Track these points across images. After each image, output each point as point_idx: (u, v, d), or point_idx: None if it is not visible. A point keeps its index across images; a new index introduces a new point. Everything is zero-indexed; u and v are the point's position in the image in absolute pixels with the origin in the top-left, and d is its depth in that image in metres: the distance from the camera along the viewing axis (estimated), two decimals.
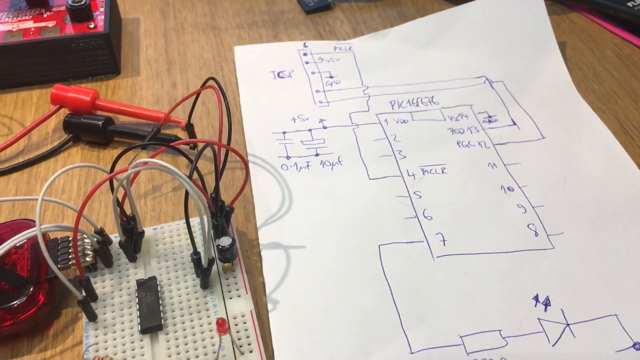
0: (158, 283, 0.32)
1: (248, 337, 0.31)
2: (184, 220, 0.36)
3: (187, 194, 0.30)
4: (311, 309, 0.33)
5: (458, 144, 0.42)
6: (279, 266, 0.35)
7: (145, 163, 0.29)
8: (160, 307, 0.31)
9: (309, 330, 0.32)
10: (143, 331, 0.30)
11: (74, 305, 0.33)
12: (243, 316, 0.32)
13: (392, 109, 0.45)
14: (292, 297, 0.33)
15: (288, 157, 0.41)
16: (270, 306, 0.33)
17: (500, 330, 0.32)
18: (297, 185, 0.39)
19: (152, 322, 0.31)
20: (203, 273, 0.32)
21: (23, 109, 0.46)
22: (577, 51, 0.51)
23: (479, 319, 0.32)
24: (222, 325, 0.28)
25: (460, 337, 0.31)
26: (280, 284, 0.34)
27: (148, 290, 0.32)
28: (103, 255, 0.33)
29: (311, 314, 0.32)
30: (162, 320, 0.31)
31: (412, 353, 0.31)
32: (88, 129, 0.42)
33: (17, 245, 0.33)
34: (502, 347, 0.31)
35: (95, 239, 0.33)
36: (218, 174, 0.34)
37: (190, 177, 0.29)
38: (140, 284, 0.32)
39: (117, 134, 0.43)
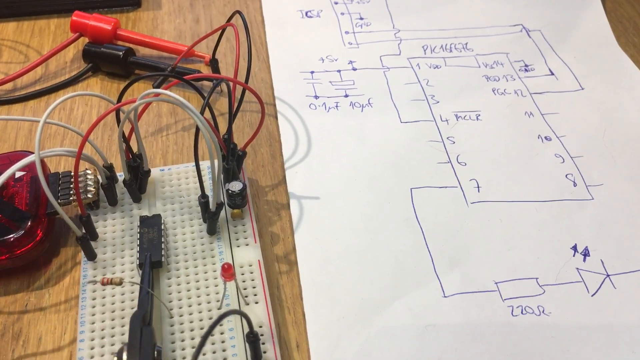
0: (163, 222, 0.30)
1: (254, 287, 0.29)
2: (193, 163, 0.34)
3: (197, 131, 0.28)
4: (341, 250, 0.31)
5: (493, 91, 0.40)
6: (306, 205, 0.33)
7: (156, 95, 0.27)
8: (163, 245, 0.29)
9: (338, 268, 0.30)
10: (141, 266, 0.28)
11: (73, 244, 0.32)
12: (250, 265, 0.30)
13: (425, 53, 0.43)
14: (321, 237, 0.32)
15: (316, 97, 0.40)
16: (298, 244, 0.31)
17: (537, 279, 0.30)
18: (326, 125, 0.38)
19: (152, 258, 0.28)
20: (210, 217, 0.30)
21: (40, 37, 0.44)
22: (618, 4, 0.49)
23: (514, 267, 0.31)
24: (228, 271, 0.26)
25: (496, 283, 0.30)
26: (309, 222, 0.32)
27: (151, 226, 0.30)
28: (109, 191, 0.31)
29: (340, 254, 0.31)
30: (163, 259, 0.29)
31: (445, 297, 0.30)
32: (108, 59, 0.40)
33: (16, 177, 0.31)
34: (539, 295, 0.30)
35: (104, 174, 0.31)
36: (231, 113, 0.31)
37: (201, 112, 0.27)
38: (144, 219, 0.30)
39: (138, 66, 0.41)
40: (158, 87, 0.38)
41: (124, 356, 0.24)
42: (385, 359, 0.27)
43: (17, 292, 0.30)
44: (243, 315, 0.24)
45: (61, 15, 0.46)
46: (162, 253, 0.29)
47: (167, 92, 0.26)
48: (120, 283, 0.26)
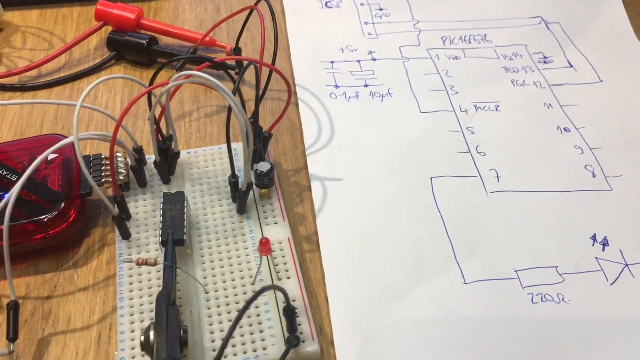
0: (185, 198, 0.30)
1: (285, 263, 0.30)
2: (218, 146, 0.35)
3: (229, 112, 0.29)
4: (361, 235, 0.32)
5: (512, 82, 0.41)
6: (328, 192, 0.34)
7: (188, 76, 0.28)
8: (185, 222, 0.29)
9: (360, 253, 0.31)
10: (163, 243, 0.28)
11: (104, 225, 0.33)
12: (280, 243, 0.31)
13: (444, 44, 0.44)
14: (342, 222, 0.32)
15: (337, 86, 0.40)
16: (320, 229, 0.32)
17: (556, 267, 0.31)
18: (346, 114, 0.38)
19: (174, 236, 0.28)
20: (240, 197, 0.31)
21: (64, 24, 0.45)
22: None
23: (534, 255, 0.31)
24: (265, 245, 0.27)
25: (515, 271, 0.31)
26: (330, 208, 0.33)
27: (174, 203, 0.30)
28: (139, 173, 0.32)
29: (361, 240, 0.32)
30: (186, 236, 0.29)
31: (465, 283, 0.30)
32: (132, 47, 0.41)
33: (48, 160, 0.32)
34: (559, 283, 0.30)
35: (134, 156, 0.32)
36: (258, 94, 0.32)
37: (234, 92, 0.28)
38: (167, 196, 0.30)
39: (161, 54, 0.41)
40: (181, 66, 0.39)
41: (151, 335, 0.24)
42: (407, 343, 0.28)
43: (47, 273, 0.30)
44: (280, 289, 0.24)
45: (84, 3, 0.46)
46: (185, 231, 0.29)
47: (201, 73, 0.26)
48: (154, 264, 0.27)
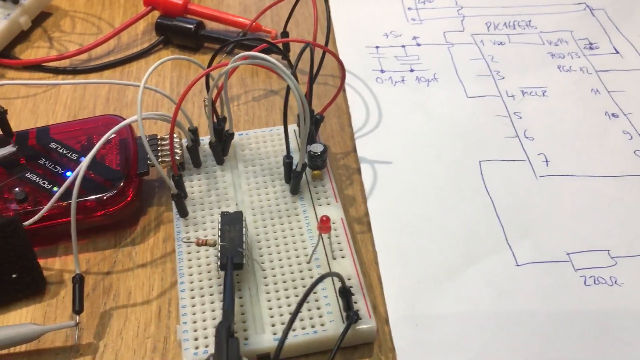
0: (244, 218, 0.28)
1: (339, 243, 0.30)
2: (270, 128, 0.35)
3: (287, 92, 0.29)
4: (412, 217, 0.32)
5: (559, 68, 0.41)
6: (377, 174, 0.34)
7: (247, 57, 0.28)
8: (244, 244, 0.27)
9: (411, 234, 0.31)
10: (222, 267, 0.27)
11: (159, 204, 0.33)
12: (334, 223, 0.31)
13: (488, 30, 0.44)
14: (392, 204, 0.33)
15: (382, 71, 0.40)
16: (371, 211, 0.32)
17: (608, 250, 0.31)
18: (393, 98, 0.39)
19: (234, 260, 0.27)
20: (295, 177, 0.31)
21: (111, 9, 0.45)
22: None
23: (585, 238, 0.31)
24: (326, 223, 0.28)
25: (568, 254, 0.31)
26: (380, 190, 0.33)
27: (232, 224, 0.28)
28: (194, 154, 0.33)
29: (412, 222, 0.32)
30: (245, 260, 0.27)
31: (518, 265, 0.30)
32: (180, 32, 0.42)
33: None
34: (612, 266, 0.30)
35: (190, 137, 0.32)
36: (312, 77, 0.32)
37: (292, 73, 0.29)
38: (225, 215, 0.28)
39: (208, 39, 0.42)
40: (231, 43, 0.39)
41: None
42: (462, 322, 0.28)
43: (106, 249, 0.31)
44: (337, 275, 0.25)
45: None
46: (244, 254, 0.27)
47: (261, 54, 0.27)
48: (214, 245, 0.27)
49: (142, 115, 0.28)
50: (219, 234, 0.28)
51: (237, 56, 0.28)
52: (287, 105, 0.29)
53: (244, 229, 0.28)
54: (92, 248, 0.31)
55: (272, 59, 0.27)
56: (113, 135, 0.32)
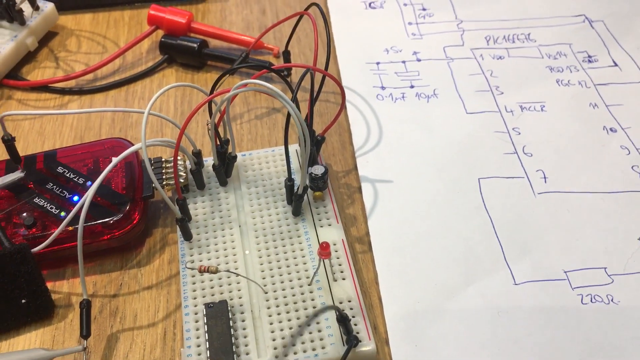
0: (229, 309, 0.28)
1: (340, 264, 0.31)
2: (272, 149, 0.36)
3: (288, 118, 0.30)
4: (413, 236, 0.33)
5: (557, 82, 0.41)
6: (378, 193, 0.35)
7: (246, 85, 0.29)
8: (233, 339, 0.27)
9: (411, 254, 0.32)
10: None
11: (164, 226, 0.34)
12: (334, 244, 0.32)
13: (488, 44, 0.44)
14: (393, 223, 0.33)
15: (383, 88, 0.41)
16: (371, 230, 0.33)
17: (605, 268, 0.31)
18: (393, 115, 0.39)
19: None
20: (296, 200, 0.32)
21: (116, 28, 0.46)
22: None
23: (583, 256, 0.32)
24: (326, 249, 0.28)
25: (565, 272, 0.31)
26: (381, 210, 0.34)
27: (217, 317, 0.28)
28: (198, 176, 0.33)
29: (413, 241, 0.33)
30: (235, 356, 0.27)
31: (516, 284, 0.31)
32: (184, 51, 0.42)
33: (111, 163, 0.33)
34: (608, 284, 0.31)
35: (194, 160, 0.33)
36: (313, 101, 0.33)
37: (293, 100, 0.29)
38: (209, 307, 0.28)
39: (212, 58, 0.43)
40: (233, 68, 0.40)
41: None
42: (461, 342, 0.29)
43: (112, 272, 0.32)
44: (333, 308, 0.25)
45: (134, 7, 0.48)
46: (234, 350, 0.27)
47: (261, 82, 0.28)
48: (216, 271, 0.28)
49: (146, 142, 0.29)
50: (206, 329, 0.28)
51: (238, 84, 0.29)
52: (287, 130, 0.30)
53: (230, 322, 0.28)
54: (99, 271, 0.32)
55: (272, 86, 0.28)
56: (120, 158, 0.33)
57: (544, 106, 0.39)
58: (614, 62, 0.42)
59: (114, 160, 0.28)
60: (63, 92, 0.41)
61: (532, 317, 0.29)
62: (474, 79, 0.41)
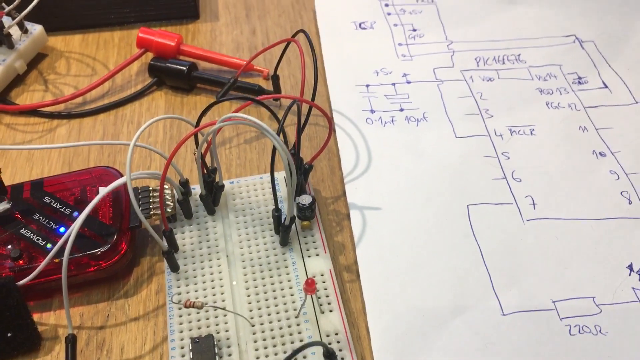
0: (215, 344, 0.28)
1: (328, 296, 0.31)
2: (260, 176, 0.36)
3: (273, 152, 0.30)
4: (401, 265, 0.33)
5: (547, 105, 0.41)
6: (366, 220, 0.35)
7: (230, 118, 0.29)
8: None
9: (399, 283, 0.32)
10: None
11: (152, 255, 0.34)
12: (322, 275, 0.32)
13: (478, 66, 0.44)
14: (381, 252, 0.33)
15: (372, 111, 0.41)
16: (360, 259, 0.33)
17: (593, 298, 0.31)
18: (383, 140, 0.39)
19: None
20: (284, 230, 0.32)
21: (105, 49, 0.46)
22: None
23: (571, 285, 0.32)
24: (312, 285, 0.28)
25: (553, 302, 0.31)
26: (370, 238, 0.34)
27: (204, 352, 0.28)
28: (185, 206, 0.33)
29: (401, 270, 0.32)
30: None
31: (504, 315, 0.31)
32: (173, 74, 0.42)
33: (98, 193, 0.33)
34: (596, 314, 0.31)
35: (180, 190, 0.33)
36: (300, 131, 0.33)
37: (278, 133, 0.29)
38: (195, 343, 0.28)
39: (201, 81, 0.42)
40: (222, 97, 0.40)
41: None
42: None
43: (99, 302, 0.32)
44: (319, 344, 0.25)
45: (124, 27, 0.48)
46: None
47: (247, 116, 0.28)
48: (201, 307, 0.28)
49: (131, 176, 0.28)
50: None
51: (223, 117, 0.28)
52: (273, 162, 0.30)
53: (217, 357, 0.28)
54: (85, 301, 0.32)
55: (257, 121, 0.28)
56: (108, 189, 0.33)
57: (533, 130, 0.39)
58: (604, 83, 0.42)
59: (101, 192, 0.28)
60: (52, 116, 0.41)
61: (521, 348, 0.29)
62: (463, 102, 0.41)
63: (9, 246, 0.31)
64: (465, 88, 0.42)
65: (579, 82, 0.43)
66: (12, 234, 0.32)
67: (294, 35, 0.37)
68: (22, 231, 0.32)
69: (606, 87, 0.42)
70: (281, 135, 0.30)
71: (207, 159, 0.33)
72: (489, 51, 0.45)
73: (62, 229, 0.32)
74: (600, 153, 0.38)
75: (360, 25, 0.47)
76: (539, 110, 0.41)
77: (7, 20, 0.42)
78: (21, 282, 0.29)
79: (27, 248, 0.31)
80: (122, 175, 0.34)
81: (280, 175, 0.35)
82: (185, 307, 0.28)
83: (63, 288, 0.28)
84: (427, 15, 0.48)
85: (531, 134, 0.39)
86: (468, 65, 0.44)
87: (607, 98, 0.42)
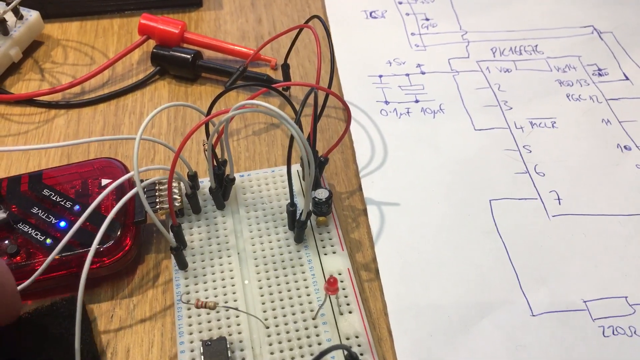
0: (227, 347, 0.27)
1: (347, 296, 0.29)
2: (271, 169, 0.34)
3: (291, 141, 0.28)
4: (422, 263, 0.31)
5: (567, 97, 0.39)
6: (384, 216, 0.33)
7: (244, 106, 0.27)
8: None
9: (422, 283, 0.30)
10: None
11: (158, 251, 0.32)
12: (340, 274, 0.30)
13: (494, 56, 0.42)
14: (401, 249, 0.31)
15: (387, 102, 0.39)
16: (379, 257, 0.31)
17: (626, 297, 0.30)
18: (398, 132, 0.37)
19: None
20: (299, 226, 0.30)
21: (105, 37, 0.44)
22: None
23: (602, 284, 0.30)
24: (334, 285, 0.26)
25: (584, 302, 0.29)
26: (388, 234, 0.32)
27: (215, 356, 0.26)
28: (194, 200, 0.31)
29: (423, 268, 0.31)
30: None
31: (533, 315, 0.29)
32: (176, 63, 0.40)
33: (102, 185, 0.31)
34: (630, 314, 0.29)
35: (189, 184, 0.31)
36: (316, 121, 0.31)
37: (296, 122, 0.27)
38: (206, 346, 0.26)
39: (206, 70, 0.41)
40: (230, 86, 0.38)
41: None
42: None
43: (102, 302, 0.30)
44: (344, 348, 0.23)
45: (124, 15, 0.46)
46: None
47: (263, 103, 0.26)
48: (214, 307, 0.26)
49: (139, 170, 0.26)
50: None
51: (237, 104, 0.27)
52: (290, 154, 0.28)
53: (229, 358, 0.26)
54: (88, 301, 0.30)
55: (274, 108, 0.26)
56: (108, 181, 0.31)
57: (554, 122, 0.38)
58: (625, 75, 0.41)
59: (107, 189, 0.26)
60: (49, 105, 0.39)
61: (552, 351, 0.28)
62: (481, 93, 0.40)
63: (6, 242, 0.29)
64: (482, 79, 0.41)
65: (599, 74, 0.41)
66: (9, 228, 0.29)
67: (307, 21, 0.35)
68: (20, 226, 0.29)
69: (627, 79, 0.41)
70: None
71: (217, 152, 0.31)
72: (505, 42, 0.43)
73: (62, 224, 0.30)
74: (625, 146, 0.36)
75: (371, 14, 0.45)
76: (559, 102, 0.39)
77: (1, 6, 0.40)
78: (21, 287, 0.27)
79: (25, 244, 0.29)
80: (125, 167, 0.32)
81: (293, 169, 0.34)
82: (197, 307, 0.26)
83: (80, 289, 0.25)
84: (439, 4, 0.46)
85: (553, 126, 0.38)
86: (484, 55, 0.42)
87: (629, 90, 0.40)
